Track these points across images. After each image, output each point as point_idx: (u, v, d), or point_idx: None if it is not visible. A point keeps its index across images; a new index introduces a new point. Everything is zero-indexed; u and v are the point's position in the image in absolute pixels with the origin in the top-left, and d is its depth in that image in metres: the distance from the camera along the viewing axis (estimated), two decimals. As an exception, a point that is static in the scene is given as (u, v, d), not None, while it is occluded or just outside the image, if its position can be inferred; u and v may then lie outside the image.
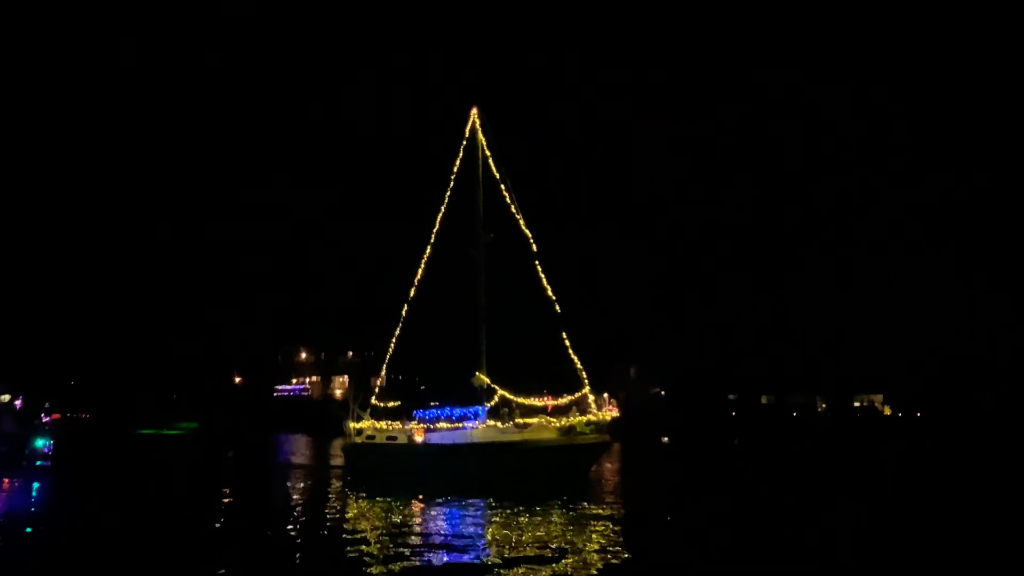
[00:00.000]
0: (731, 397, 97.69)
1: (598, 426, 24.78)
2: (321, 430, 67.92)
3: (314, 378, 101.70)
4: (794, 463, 37.63)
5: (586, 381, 25.47)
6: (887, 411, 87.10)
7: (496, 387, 26.56)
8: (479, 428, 25.52)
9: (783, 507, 20.18)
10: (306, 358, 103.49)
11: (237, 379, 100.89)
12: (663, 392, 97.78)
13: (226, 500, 21.01)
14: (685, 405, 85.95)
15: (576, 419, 24.88)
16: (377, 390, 28.98)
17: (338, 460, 35.52)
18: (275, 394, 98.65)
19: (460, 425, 26.01)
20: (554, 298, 26.26)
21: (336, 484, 24.63)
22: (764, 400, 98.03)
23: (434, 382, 28.49)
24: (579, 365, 25.58)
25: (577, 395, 25.46)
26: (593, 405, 24.96)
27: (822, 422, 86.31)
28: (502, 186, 27.56)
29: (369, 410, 28.61)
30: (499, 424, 25.45)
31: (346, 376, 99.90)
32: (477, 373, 27.14)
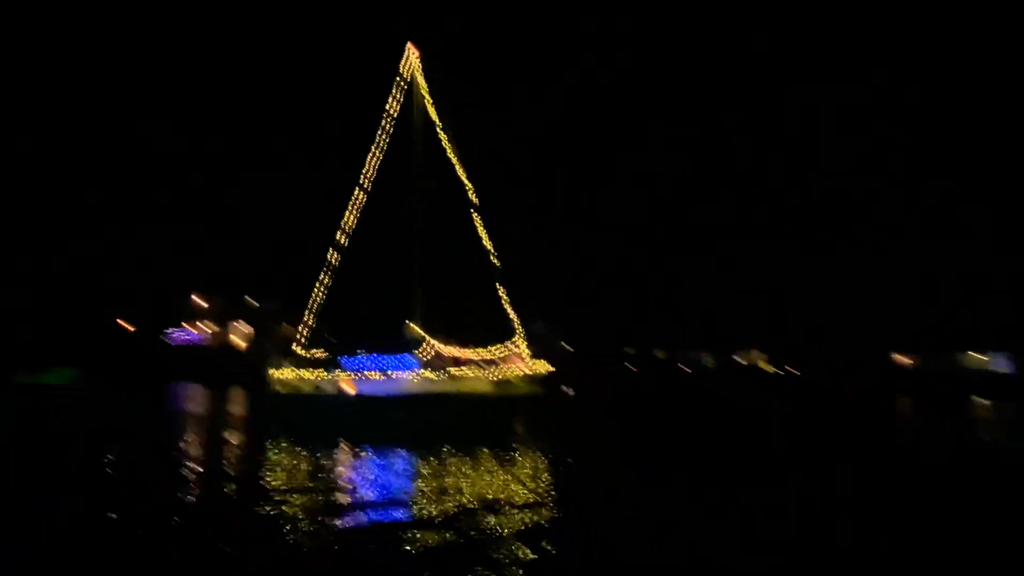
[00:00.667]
0: (629, 351, 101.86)
1: (532, 378, 24.73)
2: (219, 379, 64.26)
3: (211, 325, 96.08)
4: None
5: (521, 334, 25.25)
6: (768, 367, 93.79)
7: (428, 337, 25.83)
8: (412, 379, 24.81)
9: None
10: (202, 304, 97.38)
11: (124, 323, 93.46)
12: (567, 346, 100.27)
13: (120, 454, 19.02)
14: (587, 358, 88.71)
15: (510, 371, 24.71)
16: (301, 338, 27.44)
17: (238, 408, 33.90)
18: (167, 341, 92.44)
19: (391, 375, 25.18)
20: (492, 251, 25.66)
21: (247, 435, 23.30)
22: (659, 355, 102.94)
23: (356, 331, 27.22)
24: (514, 318, 25.29)
25: (512, 347, 25.24)
26: (528, 357, 24.85)
27: (709, 375, 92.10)
28: (440, 132, 26.30)
29: (291, 359, 27.11)
30: (433, 375, 24.84)
31: (246, 324, 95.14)
32: (408, 322, 26.25)
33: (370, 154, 26.92)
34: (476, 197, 26.00)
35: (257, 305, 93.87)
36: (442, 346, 25.64)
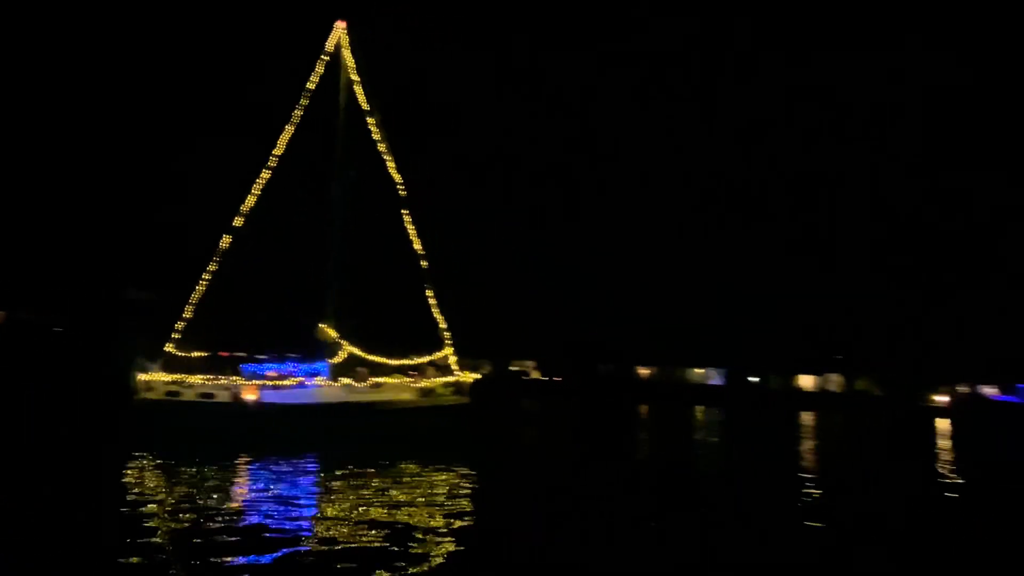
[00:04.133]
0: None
1: (458, 387, 23.31)
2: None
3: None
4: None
5: (448, 341, 23.64)
6: (536, 375, 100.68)
7: (344, 342, 22.78)
8: (328, 387, 21.59)
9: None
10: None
11: None
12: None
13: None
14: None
15: (436, 380, 22.98)
16: (176, 336, 22.01)
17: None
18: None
19: (302, 382, 21.61)
20: (421, 251, 23.58)
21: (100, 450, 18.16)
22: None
23: (259, 332, 22.93)
24: (443, 324, 23.58)
25: (438, 355, 23.49)
26: (455, 366, 23.36)
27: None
28: (369, 119, 23.50)
29: (161, 360, 21.65)
30: (352, 383, 21.93)
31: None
32: (321, 325, 22.84)
33: (284, 132, 22.90)
34: (405, 191, 23.72)
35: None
36: (360, 352, 22.81)
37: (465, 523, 11.85)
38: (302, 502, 13.11)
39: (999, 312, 73.11)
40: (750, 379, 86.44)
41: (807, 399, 75.67)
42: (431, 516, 12.11)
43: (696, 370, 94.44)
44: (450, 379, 23.20)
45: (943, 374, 71.68)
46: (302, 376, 21.72)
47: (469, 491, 15.10)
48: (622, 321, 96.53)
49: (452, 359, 23.52)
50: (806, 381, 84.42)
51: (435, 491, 14.58)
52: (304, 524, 11.40)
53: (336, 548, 9.86)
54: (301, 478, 15.70)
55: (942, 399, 68.35)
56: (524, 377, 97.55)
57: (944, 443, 35.28)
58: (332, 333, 22.72)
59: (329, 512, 12.39)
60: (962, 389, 68.70)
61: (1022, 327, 68.16)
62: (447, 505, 13.23)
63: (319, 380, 21.79)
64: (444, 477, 16.36)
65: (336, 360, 22.44)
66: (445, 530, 11.17)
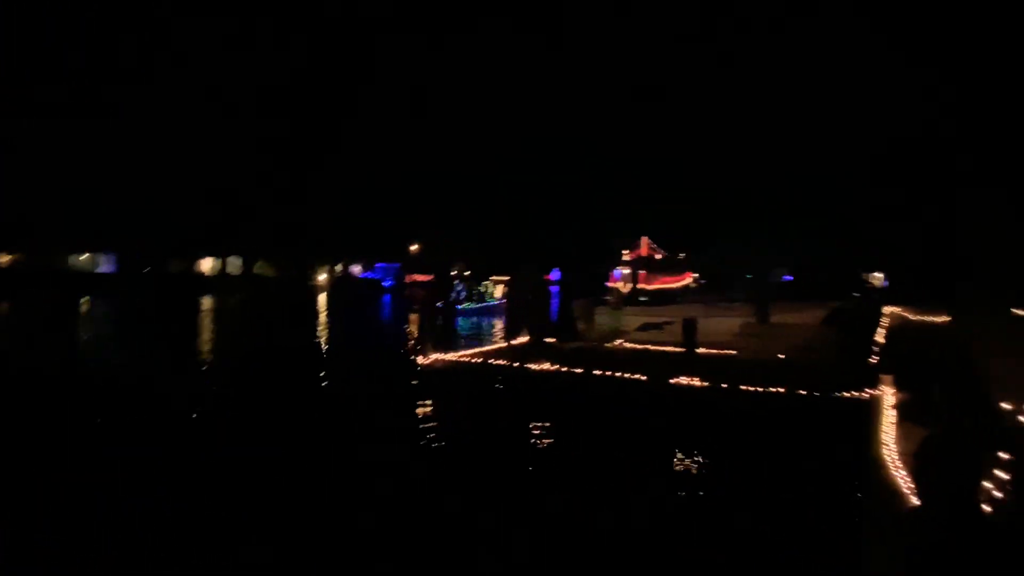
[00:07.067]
0: None
1: None
2: None
3: None
4: None
5: None
6: None
7: None
8: None
9: None
10: None
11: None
12: None
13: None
14: None
15: None
16: None
17: None
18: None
19: None
20: None
21: None
22: None
23: None
24: None
25: None
26: None
27: None
28: None
29: None
30: None
31: None
32: None
33: None
34: None
35: None
36: None
37: None
38: None
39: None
40: (147, 265, 78.96)
41: (207, 283, 74.79)
42: None
43: (80, 257, 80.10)
44: None
45: (324, 257, 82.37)
46: None
47: None
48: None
49: None
50: (206, 265, 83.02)
51: None
52: None
53: None
54: None
55: (324, 277, 78.91)
56: None
57: (323, 317, 40.70)
58: None
59: None
60: (338, 269, 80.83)
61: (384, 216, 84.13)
62: None
63: None
64: None
65: None
66: None
